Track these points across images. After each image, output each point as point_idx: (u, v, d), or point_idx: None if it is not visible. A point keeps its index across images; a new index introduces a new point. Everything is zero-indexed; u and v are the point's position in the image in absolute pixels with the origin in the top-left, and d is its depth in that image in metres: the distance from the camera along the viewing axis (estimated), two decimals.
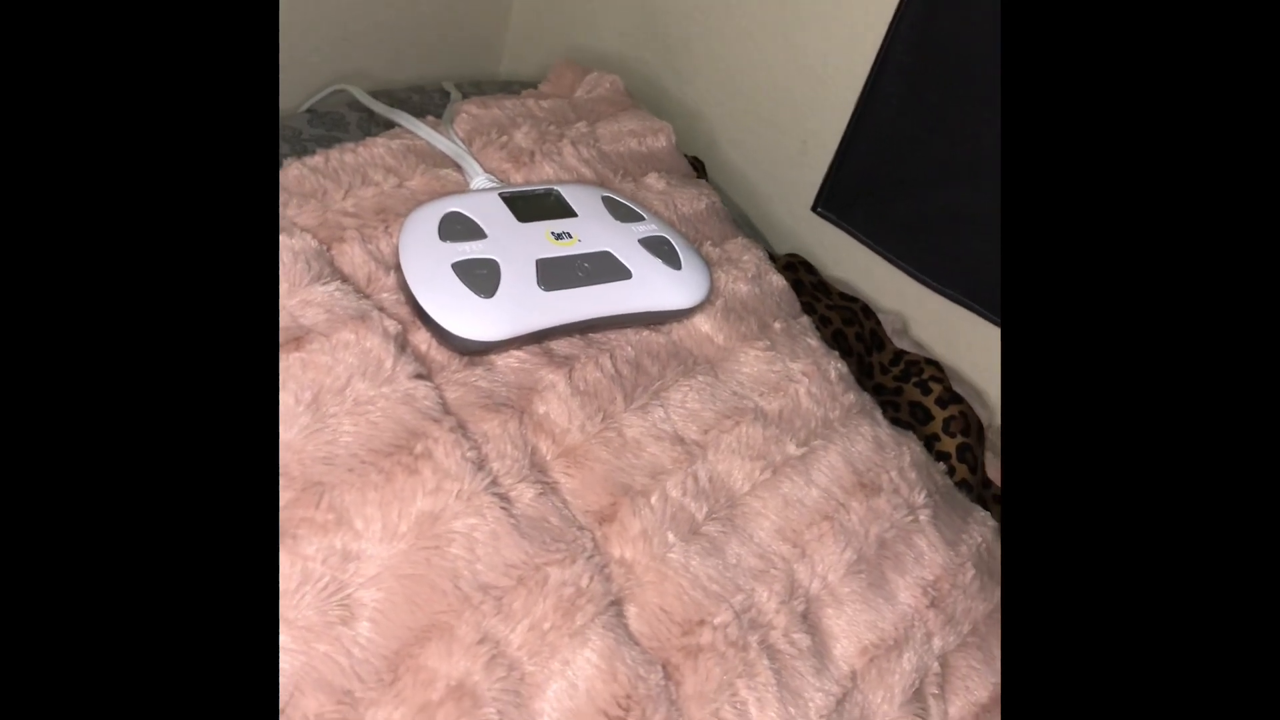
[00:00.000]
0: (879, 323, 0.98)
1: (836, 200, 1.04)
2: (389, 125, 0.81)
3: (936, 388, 0.92)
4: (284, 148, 0.82)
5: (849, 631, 0.62)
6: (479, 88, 1.01)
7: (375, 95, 0.87)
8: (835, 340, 0.91)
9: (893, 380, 0.94)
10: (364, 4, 1.05)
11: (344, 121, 0.90)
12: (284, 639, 0.48)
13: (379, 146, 0.72)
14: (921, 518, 0.68)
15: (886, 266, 1.02)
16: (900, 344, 0.99)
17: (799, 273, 0.98)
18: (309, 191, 0.67)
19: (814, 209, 1.06)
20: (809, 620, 0.61)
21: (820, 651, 0.61)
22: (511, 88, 0.98)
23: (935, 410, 0.91)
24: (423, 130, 0.76)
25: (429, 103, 0.96)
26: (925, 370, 0.94)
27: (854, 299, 0.98)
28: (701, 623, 0.57)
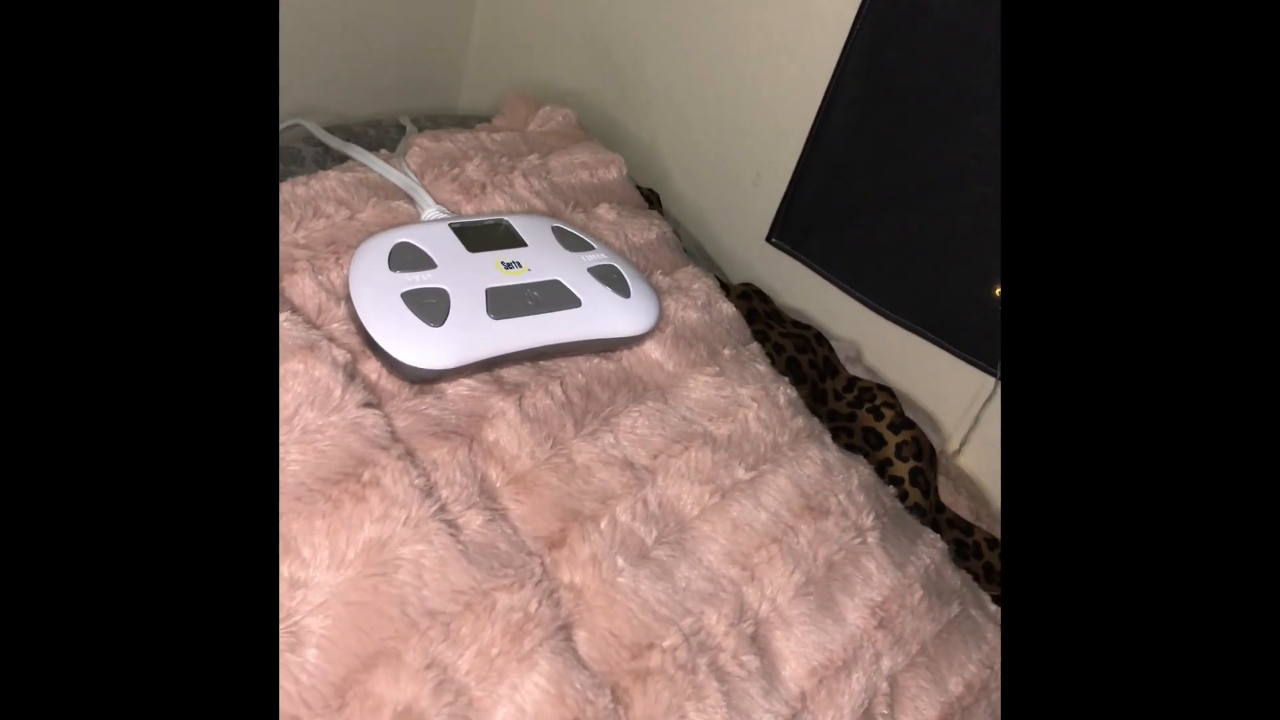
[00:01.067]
0: (832, 350, 0.99)
1: (790, 230, 1.06)
2: (345, 160, 0.82)
3: (889, 413, 0.94)
4: None
5: (798, 653, 0.63)
6: (436, 122, 1.02)
7: (332, 130, 0.88)
8: (789, 367, 0.92)
9: (846, 406, 0.95)
10: (322, 39, 1.06)
11: (300, 156, 0.90)
12: None
13: (330, 179, 0.73)
14: (869, 540, 0.69)
15: (840, 295, 1.04)
16: (854, 371, 1.00)
17: (753, 301, 0.99)
18: None
19: (768, 239, 1.07)
20: (758, 642, 0.62)
21: (769, 673, 0.61)
22: (469, 122, 1.00)
23: (888, 435, 0.92)
24: (375, 163, 0.77)
25: (385, 137, 0.97)
26: (878, 396, 0.95)
27: (807, 327, 1.00)
28: (650, 646, 0.58)
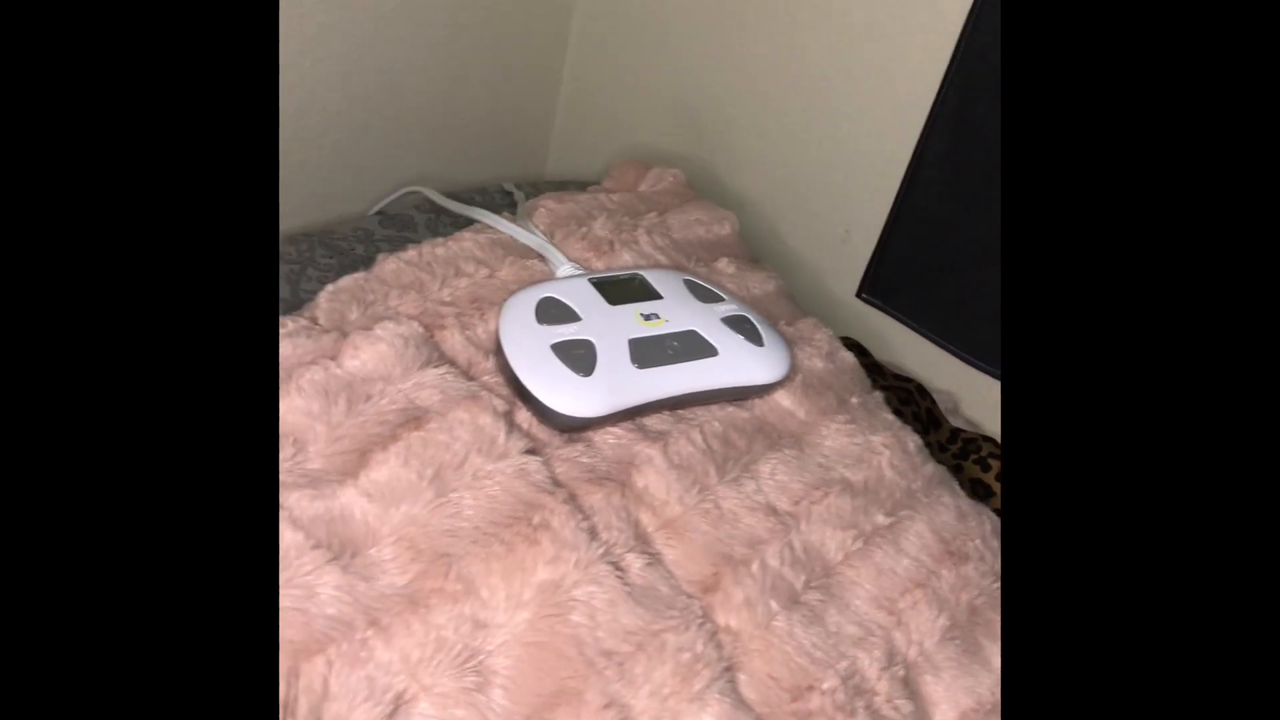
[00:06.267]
0: (934, 402, 1.00)
1: (880, 285, 1.07)
2: (456, 225, 0.84)
3: (995, 464, 0.94)
4: (358, 248, 0.86)
5: (948, 697, 0.63)
6: (536, 187, 1.05)
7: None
8: None
9: (951, 458, 0.96)
10: (421, 112, 1.10)
11: (413, 222, 0.94)
12: (424, 705, 0.49)
13: (466, 241, 0.76)
14: None
15: (933, 348, 1.05)
16: (955, 423, 1.01)
17: (853, 354, 1.00)
18: (408, 283, 0.70)
19: (859, 295, 1.09)
20: (909, 686, 0.62)
21: (921, 717, 0.61)
22: (567, 186, 1.03)
23: (995, 486, 0.93)
24: (504, 225, 0.79)
25: (491, 202, 1.00)
26: (983, 447, 0.96)
27: (908, 379, 1.01)
28: (810, 689, 0.58)
